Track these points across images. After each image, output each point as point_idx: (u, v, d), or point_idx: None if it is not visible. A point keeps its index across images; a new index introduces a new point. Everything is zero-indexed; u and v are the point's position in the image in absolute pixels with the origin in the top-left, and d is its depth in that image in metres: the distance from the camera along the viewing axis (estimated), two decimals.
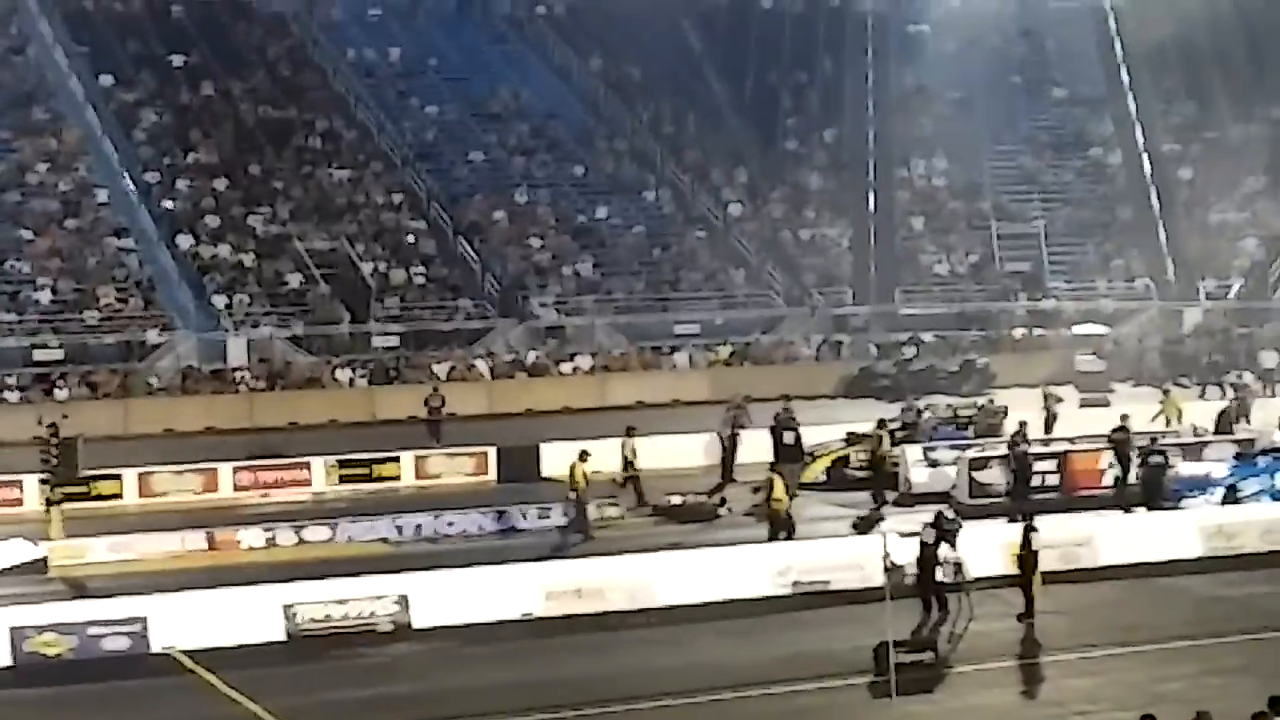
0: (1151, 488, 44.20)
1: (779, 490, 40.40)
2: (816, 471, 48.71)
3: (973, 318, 72.72)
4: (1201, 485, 44.25)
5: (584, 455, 43.83)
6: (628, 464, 46.16)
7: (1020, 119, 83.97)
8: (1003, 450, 45.99)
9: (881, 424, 48.10)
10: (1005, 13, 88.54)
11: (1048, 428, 51.36)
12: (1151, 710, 23.23)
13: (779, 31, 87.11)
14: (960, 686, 30.61)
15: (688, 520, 44.19)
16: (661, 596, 36.16)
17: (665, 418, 57.41)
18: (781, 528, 39.93)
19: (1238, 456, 45.70)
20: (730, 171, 79.49)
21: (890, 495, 46.09)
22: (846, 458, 48.90)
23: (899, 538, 34.49)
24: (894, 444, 47.68)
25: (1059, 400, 53.26)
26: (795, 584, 36.88)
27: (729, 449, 49.62)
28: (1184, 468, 45.44)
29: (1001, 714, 27.93)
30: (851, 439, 49.55)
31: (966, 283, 75.04)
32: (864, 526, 42.89)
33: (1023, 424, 46.87)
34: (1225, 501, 43.37)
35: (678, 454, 51.07)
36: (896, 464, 47.18)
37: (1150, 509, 43.15)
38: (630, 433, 46.64)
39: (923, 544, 34.58)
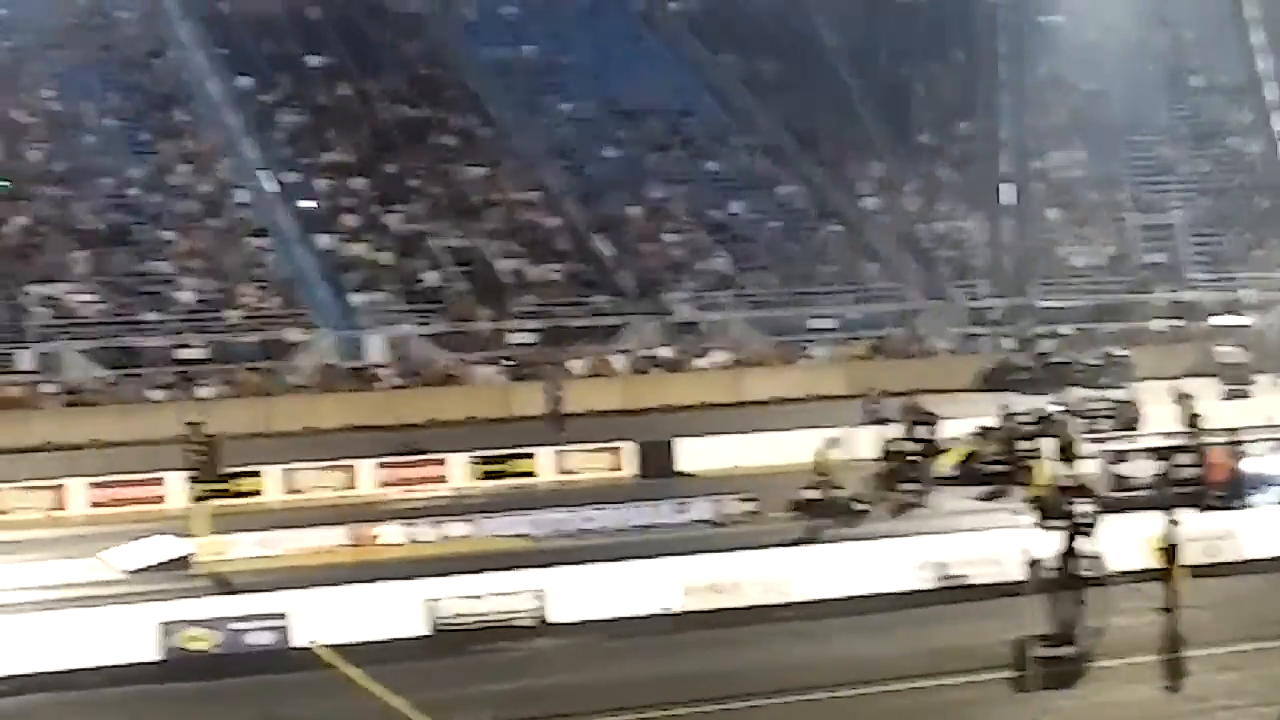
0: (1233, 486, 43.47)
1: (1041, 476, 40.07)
2: (946, 466, 48.46)
3: (1111, 310, 72.08)
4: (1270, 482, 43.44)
5: (832, 443, 44.41)
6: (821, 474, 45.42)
7: (1157, 109, 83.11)
8: (1144, 443, 45.58)
9: (1009, 416, 47.84)
10: (1141, 2, 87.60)
11: (1190, 424, 50.39)
12: None
13: (911, 24, 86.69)
14: (1102, 681, 30.40)
15: (824, 515, 44.06)
16: (799, 591, 36.12)
17: (801, 413, 57.31)
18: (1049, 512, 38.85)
19: None
20: (864, 165, 79.24)
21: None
22: (976, 453, 48.56)
23: (1039, 532, 34.28)
24: (1028, 437, 47.36)
25: (1189, 398, 51.80)
26: (941, 578, 36.77)
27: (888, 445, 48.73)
28: (1263, 464, 44.59)
29: (1144, 709, 27.68)
30: (984, 432, 49.26)
31: (1104, 275, 74.41)
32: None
33: (1196, 416, 46.04)
34: None
35: (814, 449, 50.89)
36: (1033, 457, 46.82)
37: (1225, 507, 42.11)
38: (831, 445, 45.70)
39: (1068, 535, 34.48)
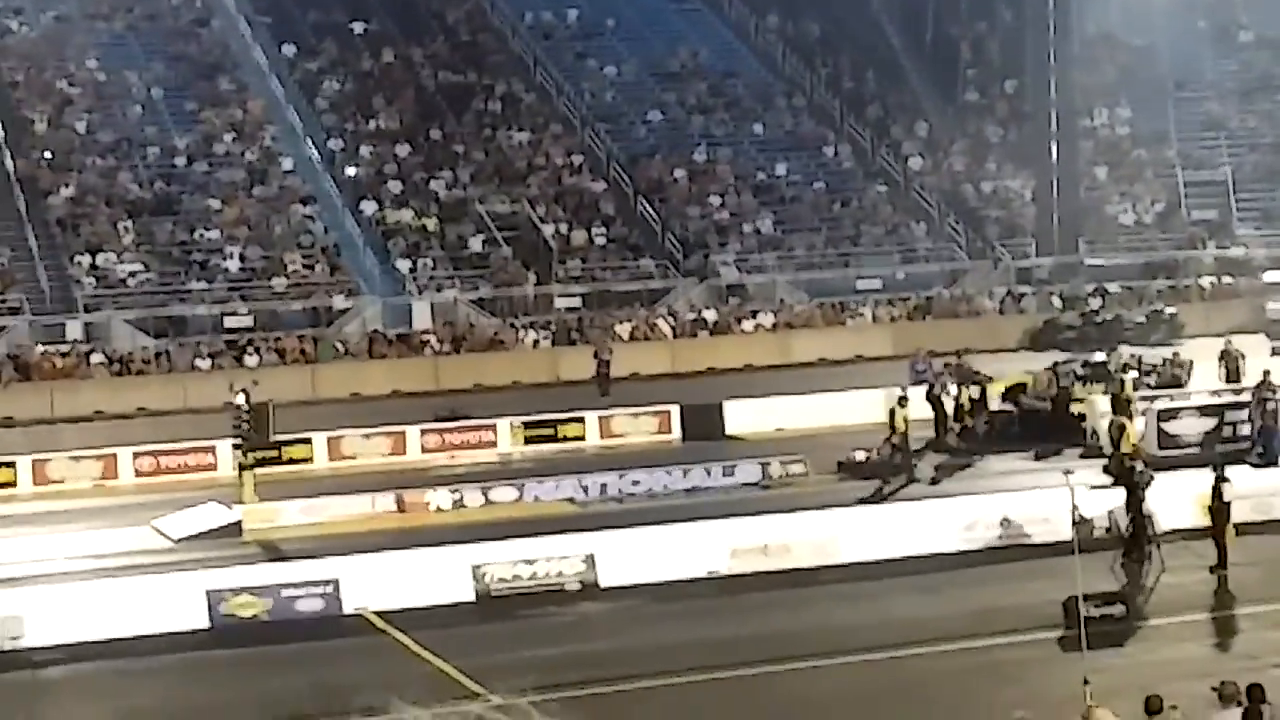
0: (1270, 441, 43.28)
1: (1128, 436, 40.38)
2: (992, 394, 48.37)
3: (1159, 267, 71.63)
4: None
5: (903, 400, 44.69)
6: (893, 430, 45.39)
7: (1206, 64, 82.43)
8: (1197, 400, 45.47)
9: (1055, 366, 48.02)
10: None
11: (1231, 379, 50.09)
12: None
13: None
14: (1152, 640, 30.32)
15: (872, 476, 44.00)
16: (847, 553, 36.08)
17: (848, 374, 57.20)
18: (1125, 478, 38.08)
19: None
20: (910, 125, 78.87)
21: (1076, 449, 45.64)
22: (1025, 385, 48.34)
23: (1087, 490, 34.19)
24: (1079, 379, 47.61)
25: (1241, 356, 51.52)
26: (991, 537, 36.74)
27: (937, 405, 48.62)
28: None
29: (1194, 667, 27.54)
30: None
31: (1152, 232, 73.95)
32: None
33: (1266, 373, 45.81)
34: None
35: (861, 409, 50.92)
36: (1079, 402, 46.76)
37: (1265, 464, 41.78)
38: (902, 403, 45.40)
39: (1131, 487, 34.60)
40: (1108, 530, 36.14)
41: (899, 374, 51.39)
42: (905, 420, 44.44)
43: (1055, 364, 48.97)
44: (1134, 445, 40.20)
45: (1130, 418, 42.08)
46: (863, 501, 41.06)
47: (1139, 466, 36.20)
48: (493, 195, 69.99)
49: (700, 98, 78.43)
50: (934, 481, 43.70)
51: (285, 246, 65.62)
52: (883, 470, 44.24)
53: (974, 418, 47.40)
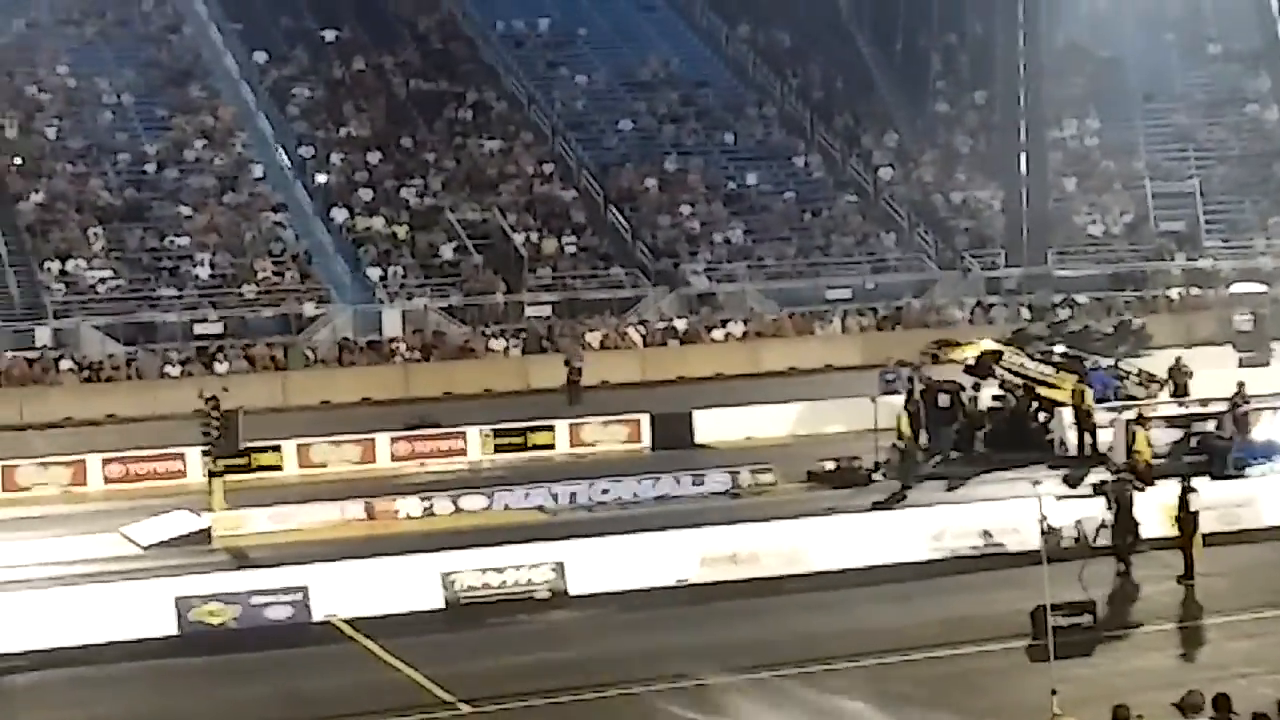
0: (1212, 455, 43.34)
1: (1141, 443, 40.66)
2: (965, 354, 48.34)
3: (1128, 278, 71.91)
4: (1266, 454, 43.28)
5: (909, 406, 44.85)
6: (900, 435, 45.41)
7: (1174, 76, 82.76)
8: (1164, 411, 45.64)
9: (1018, 333, 48.20)
10: None
11: (1178, 393, 50.00)
12: None
13: None
14: (1120, 650, 30.42)
15: (841, 485, 44.06)
16: (817, 561, 36.16)
17: (818, 383, 57.33)
18: (1144, 479, 38.55)
19: None
20: (880, 135, 79.08)
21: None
22: (1000, 354, 48.24)
23: (1055, 500, 34.30)
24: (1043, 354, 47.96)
25: (1189, 372, 51.34)
26: (962, 546, 36.86)
27: (914, 413, 48.48)
28: (1257, 434, 44.50)
29: (1161, 677, 27.66)
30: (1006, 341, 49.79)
31: (1121, 243, 74.21)
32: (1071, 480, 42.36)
33: (1241, 384, 46.07)
34: None
35: (830, 419, 51.07)
36: (1053, 388, 46.88)
37: (1213, 477, 41.83)
38: (909, 408, 45.42)
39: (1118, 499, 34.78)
40: (1076, 540, 36.27)
41: (868, 384, 51.50)
42: (911, 426, 44.50)
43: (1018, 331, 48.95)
44: (1147, 452, 40.57)
45: (1145, 425, 42.11)
46: (876, 507, 41.11)
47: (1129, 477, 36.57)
48: (463, 203, 69.98)
49: (671, 107, 78.53)
50: (952, 488, 43.59)
51: (256, 253, 65.55)
52: (853, 479, 44.30)
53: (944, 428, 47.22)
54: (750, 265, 69.96)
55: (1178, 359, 51.46)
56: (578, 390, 57.26)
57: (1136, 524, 35.22)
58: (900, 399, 47.36)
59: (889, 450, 45.06)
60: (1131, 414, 44.34)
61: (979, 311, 68.88)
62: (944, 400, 47.55)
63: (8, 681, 31.13)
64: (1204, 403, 47.11)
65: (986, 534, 37.08)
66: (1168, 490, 36.50)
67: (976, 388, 48.13)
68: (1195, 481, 35.39)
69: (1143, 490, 36.25)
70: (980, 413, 47.71)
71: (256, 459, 47.47)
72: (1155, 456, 43.38)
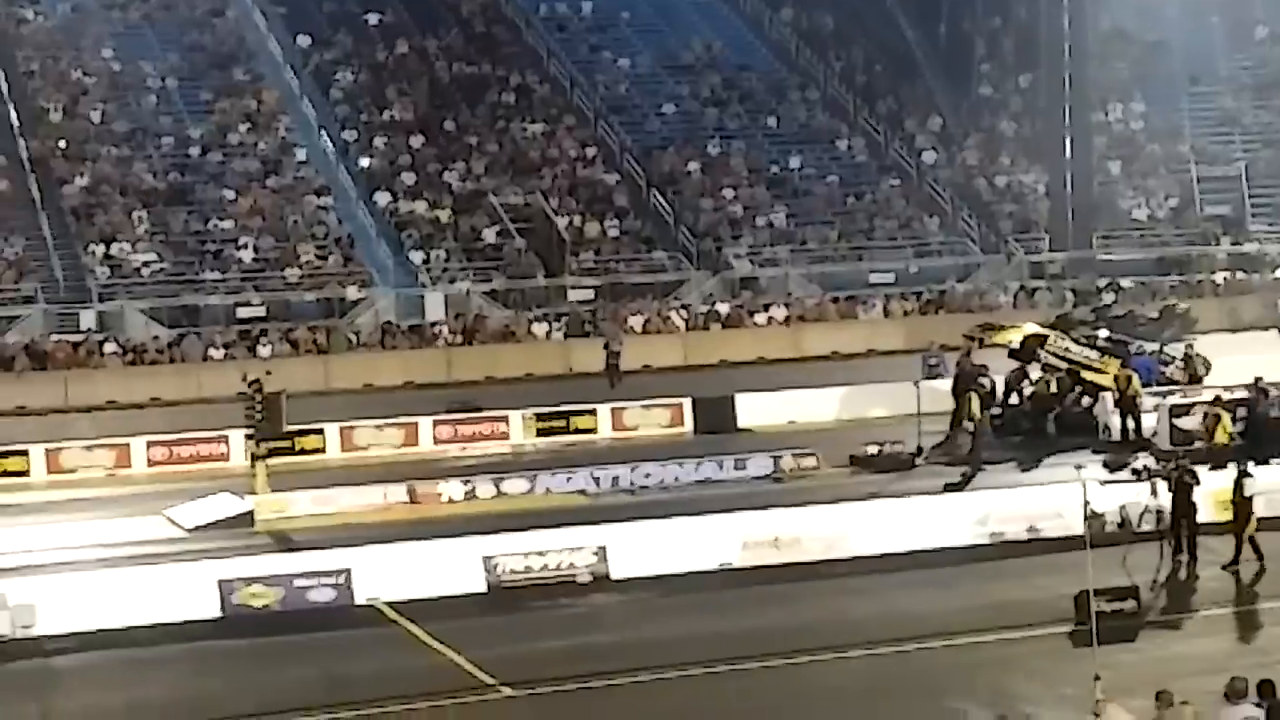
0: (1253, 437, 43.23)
1: (1223, 428, 40.93)
2: (1010, 337, 48.28)
3: (1173, 262, 71.55)
4: None
5: (979, 389, 45.03)
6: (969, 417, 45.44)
7: (1220, 60, 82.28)
8: (1206, 397, 45.39)
9: (1061, 317, 48.03)
10: None
11: (1192, 382, 49.63)
12: None
13: None
14: (1164, 636, 30.32)
15: (884, 470, 43.96)
16: (858, 546, 36.10)
17: (860, 367, 57.23)
18: (1218, 465, 38.44)
19: None
20: (924, 119, 78.81)
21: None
22: (1045, 338, 48.10)
23: (1099, 485, 34.20)
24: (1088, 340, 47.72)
25: (1205, 361, 51.09)
26: (1003, 532, 36.77)
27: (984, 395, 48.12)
28: None
29: (1205, 662, 27.55)
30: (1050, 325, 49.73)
31: (1166, 227, 73.86)
32: (1114, 465, 42.25)
33: (1200, 375, 46.22)
34: None
35: (872, 403, 50.96)
36: (1098, 373, 46.72)
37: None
38: (979, 391, 45.54)
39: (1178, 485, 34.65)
40: (1119, 525, 36.16)
41: (911, 368, 51.34)
42: (981, 408, 44.45)
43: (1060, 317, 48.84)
44: (1228, 436, 40.48)
45: (1227, 409, 42.09)
46: (949, 488, 41.09)
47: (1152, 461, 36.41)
48: (506, 187, 69.98)
49: (714, 90, 78.40)
50: (1025, 469, 43.43)
51: (299, 237, 65.68)
52: (896, 464, 44.19)
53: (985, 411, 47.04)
54: (793, 249, 69.82)
55: (1188, 346, 51.11)
56: (617, 374, 57.20)
57: (1195, 509, 35.01)
58: (947, 383, 47.42)
59: (958, 432, 44.97)
60: (1172, 400, 44.29)
61: (1022, 296, 68.62)
62: (984, 384, 47.36)
63: (54, 663, 31.32)
64: (1249, 388, 46.87)
65: (1030, 519, 36.96)
66: (1213, 476, 36.39)
67: (1024, 372, 47.99)
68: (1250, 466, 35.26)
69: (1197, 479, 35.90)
70: (1051, 394, 47.49)
71: (299, 442, 47.51)
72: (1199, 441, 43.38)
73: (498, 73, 77.24)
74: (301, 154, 70.43)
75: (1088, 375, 47.22)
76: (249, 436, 43.52)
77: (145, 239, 64.54)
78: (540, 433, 50.72)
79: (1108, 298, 67.08)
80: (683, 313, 64.99)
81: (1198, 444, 42.26)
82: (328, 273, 64.43)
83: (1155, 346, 50.82)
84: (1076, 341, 48.26)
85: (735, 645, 29.82)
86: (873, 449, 45.04)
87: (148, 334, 60.41)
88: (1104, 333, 50.24)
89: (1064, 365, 47.50)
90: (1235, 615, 31.85)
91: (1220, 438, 40.90)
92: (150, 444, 48.57)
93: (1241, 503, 34.33)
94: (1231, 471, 35.44)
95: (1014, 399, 47.76)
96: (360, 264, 65.31)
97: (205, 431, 48.86)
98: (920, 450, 45.04)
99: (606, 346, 58.12)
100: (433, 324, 63.02)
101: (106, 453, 48.29)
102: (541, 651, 30.45)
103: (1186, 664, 27.82)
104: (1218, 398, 43.41)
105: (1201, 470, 36.26)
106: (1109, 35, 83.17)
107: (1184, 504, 34.88)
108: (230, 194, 67.35)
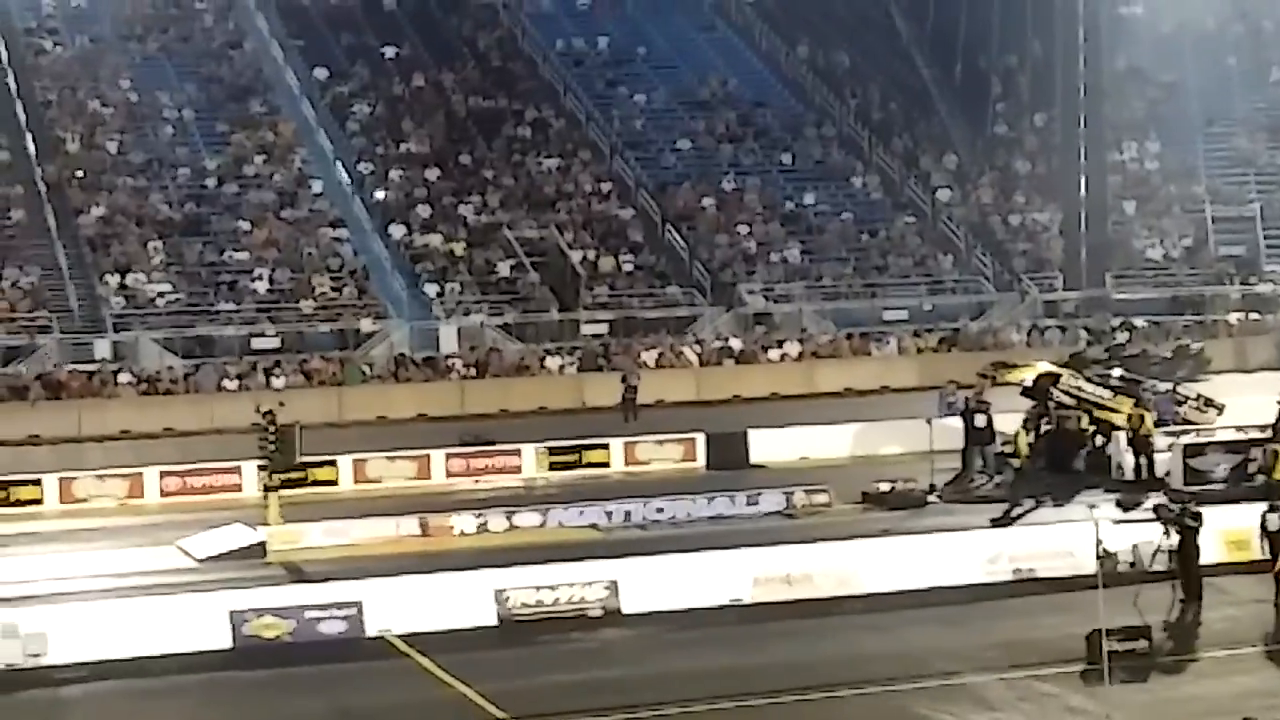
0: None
1: None
2: (1023, 376, 48.31)
3: (1186, 302, 71.57)
4: None
5: (1027, 424, 45.62)
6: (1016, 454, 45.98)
7: (1235, 101, 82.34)
8: (1222, 437, 45.47)
9: (1075, 356, 48.11)
10: None
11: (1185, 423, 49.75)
12: None
13: (988, 15, 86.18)
14: (1176, 676, 30.25)
15: (896, 507, 43.95)
16: (870, 583, 36.08)
17: (873, 404, 57.23)
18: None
19: None
20: (939, 157, 78.91)
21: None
22: (1058, 376, 48.12)
23: (1111, 524, 34.16)
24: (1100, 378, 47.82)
25: (1219, 409, 51.16)
26: (1015, 570, 36.73)
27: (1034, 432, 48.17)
28: None
29: (1216, 705, 27.51)
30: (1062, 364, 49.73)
31: (1180, 267, 73.84)
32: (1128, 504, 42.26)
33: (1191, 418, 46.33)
34: None
35: (886, 440, 50.95)
36: (1111, 411, 46.69)
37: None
38: (1026, 426, 46.26)
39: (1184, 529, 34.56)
40: (1131, 565, 36.09)
41: (925, 405, 51.31)
42: (1029, 444, 44.53)
43: (1074, 355, 48.99)
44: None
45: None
46: (994, 524, 41.09)
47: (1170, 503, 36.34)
48: (521, 221, 70.12)
49: (729, 126, 78.56)
50: (1059, 504, 43.39)
51: (314, 269, 65.82)
52: (908, 501, 44.18)
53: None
54: (807, 285, 69.89)
55: (1198, 397, 51.18)
56: (632, 408, 57.29)
57: (1198, 551, 34.94)
58: (958, 420, 47.42)
59: (999, 465, 45.63)
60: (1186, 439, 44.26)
61: (1036, 334, 68.66)
62: (980, 421, 47.28)
63: (64, 692, 31.30)
64: (1263, 428, 46.87)
65: (1042, 558, 36.91)
66: (1225, 515, 36.36)
67: (1045, 410, 48.00)
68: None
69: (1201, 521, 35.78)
70: (1080, 431, 47.45)
71: (312, 473, 47.55)
72: (1213, 481, 43.37)
73: (514, 107, 77.46)
74: (317, 186, 70.64)
75: (1100, 414, 47.18)
76: (262, 467, 43.55)
77: (160, 269, 64.71)
78: (553, 466, 50.81)
79: (1121, 337, 67.05)
80: (696, 348, 65.05)
81: (1259, 479, 42.27)
82: (342, 304, 64.56)
83: (1168, 386, 50.80)
84: (1090, 380, 48.22)
85: (746, 681, 29.77)
86: (885, 486, 45.06)
87: (162, 364, 60.52)
88: (1117, 372, 50.23)
89: (1076, 404, 47.47)
90: (1266, 654, 31.64)
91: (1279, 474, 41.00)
92: (163, 474, 48.71)
93: (1276, 538, 34.40)
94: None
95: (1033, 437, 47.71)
96: (375, 296, 65.45)
97: (218, 462, 48.95)
98: (933, 487, 45.09)
99: (624, 380, 58.19)
100: (446, 357, 63.12)
101: (119, 482, 48.40)
102: (552, 685, 30.42)
103: (1198, 705, 27.78)
104: (1277, 433, 43.52)
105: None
106: (1125, 75, 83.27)
107: (1188, 546, 34.79)
108: (246, 225, 67.54)
